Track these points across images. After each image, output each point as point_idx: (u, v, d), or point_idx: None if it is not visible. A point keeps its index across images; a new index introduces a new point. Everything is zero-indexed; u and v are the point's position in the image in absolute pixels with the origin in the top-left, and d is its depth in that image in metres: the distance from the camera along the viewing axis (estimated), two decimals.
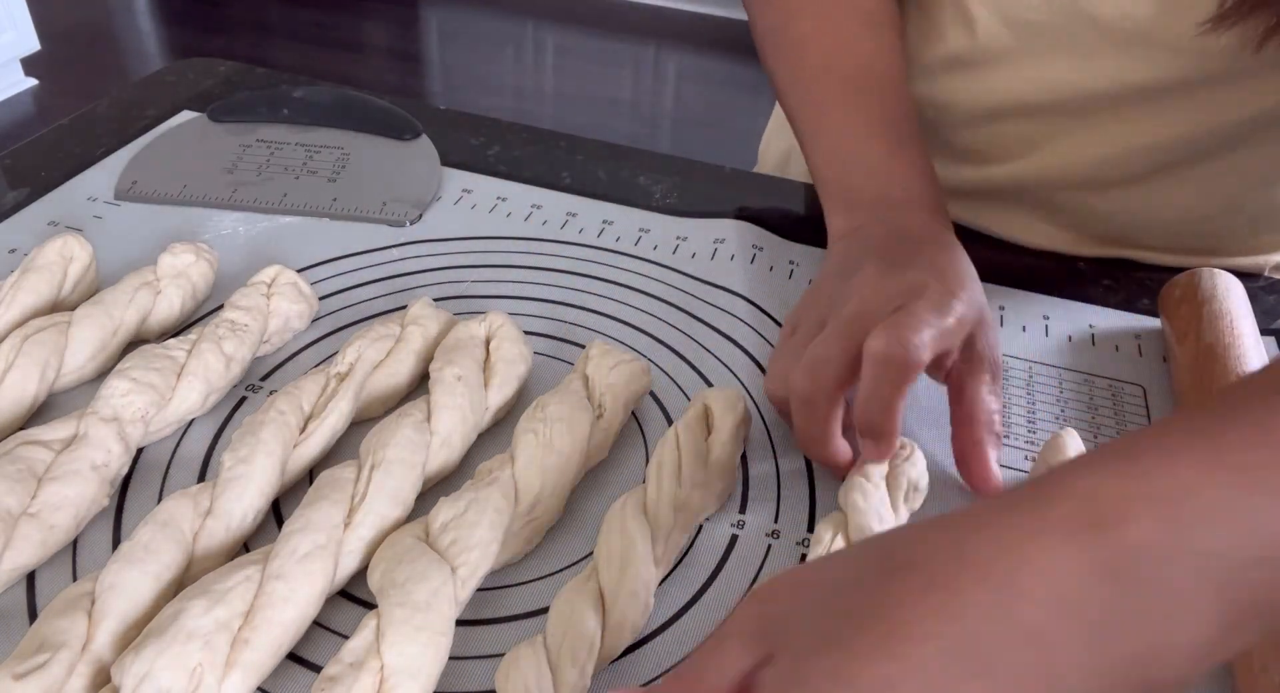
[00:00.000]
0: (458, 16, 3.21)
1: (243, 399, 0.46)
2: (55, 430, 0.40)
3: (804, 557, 0.41)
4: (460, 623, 0.36)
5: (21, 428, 0.42)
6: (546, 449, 0.40)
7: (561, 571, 0.40)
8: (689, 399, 0.48)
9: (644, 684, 0.35)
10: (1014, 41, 0.56)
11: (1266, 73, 0.51)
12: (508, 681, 0.32)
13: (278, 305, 0.48)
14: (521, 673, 0.32)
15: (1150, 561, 0.24)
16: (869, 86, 0.53)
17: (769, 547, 0.41)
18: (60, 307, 0.48)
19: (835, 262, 0.48)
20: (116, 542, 0.39)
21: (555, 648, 0.33)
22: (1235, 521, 0.24)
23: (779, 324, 0.53)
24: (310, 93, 0.70)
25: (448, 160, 0.65)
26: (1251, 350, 0.47)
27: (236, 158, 0.64)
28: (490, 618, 0.38)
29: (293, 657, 0.35)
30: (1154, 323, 0.55)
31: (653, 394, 0.48)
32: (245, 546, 0.39)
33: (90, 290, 0.50)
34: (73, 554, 0.39)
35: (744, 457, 0.45)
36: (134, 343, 0.48)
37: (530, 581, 0.39)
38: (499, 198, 0.62)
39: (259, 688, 0.34)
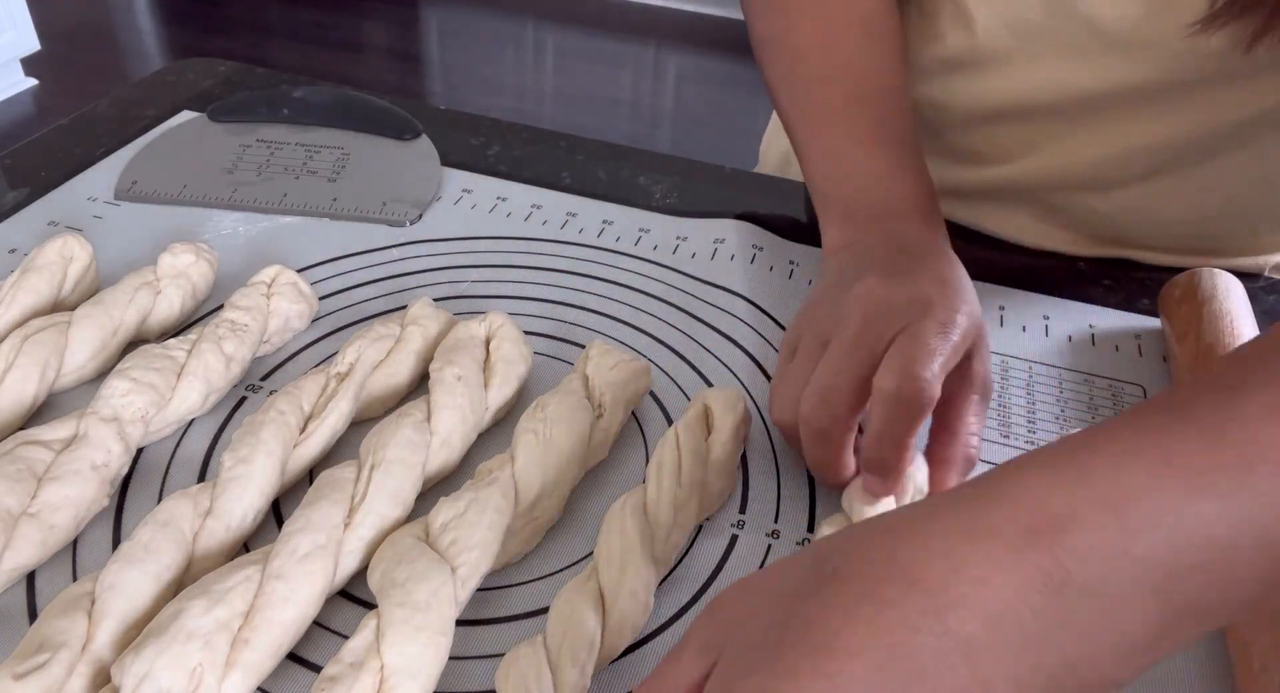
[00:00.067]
0: (458, 16, 3.21)
1: (243, 399, 0.46)
2: (55, 430, 0.40)
3: None
4: (460, 623, 0.36)
5: (21, 428, 0.42)
6: (546, 449, 0.40)
7: (561, 571, 0.40)
8: (689, 399, 0.48)
9: None
10: (1013, 42, 0.56)
11: (1264, 73, 0.51)
12: (508, 681, 0.32)
13: (278, 305, 0.48)
14: (521, 673, 0.32)
15: (1090, 567, 0.24)
16: (866, 96, 0.53)
17: (769, 547, 0.41)
18: (60, 307, 0.48)
19: (833, 275, 0.47)
20: (116, 542, 0.39)
21: (555, 648, 0.33)
22: (1179, 526, 0.24)
23: (779, 324, 0.53)
24: (310, 93, 0.70)
25: (448, 160, 0.65)
26: None
27: (236, 158, 0.64)
28: (490, 618, 0.38)
29: (293, 657, 0.35)
30: (1154, 323, 0.55)
31: (653, 394, 0.48)
32: (245, 546, 0.39)
33: (90, 290, 0.50)
34: (73, 554, 0.39)
35: (744, 457, 0.45)
36: (134, 343, 0.48)
37: (530, 581, 0.39)
38: (499, 198, 0.62)
39: (259, 688, 0.34)
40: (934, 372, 0.38)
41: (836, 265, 0.48)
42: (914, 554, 0.25)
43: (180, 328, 0.50)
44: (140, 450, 0.43)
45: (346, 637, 0.34)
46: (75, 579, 0.38)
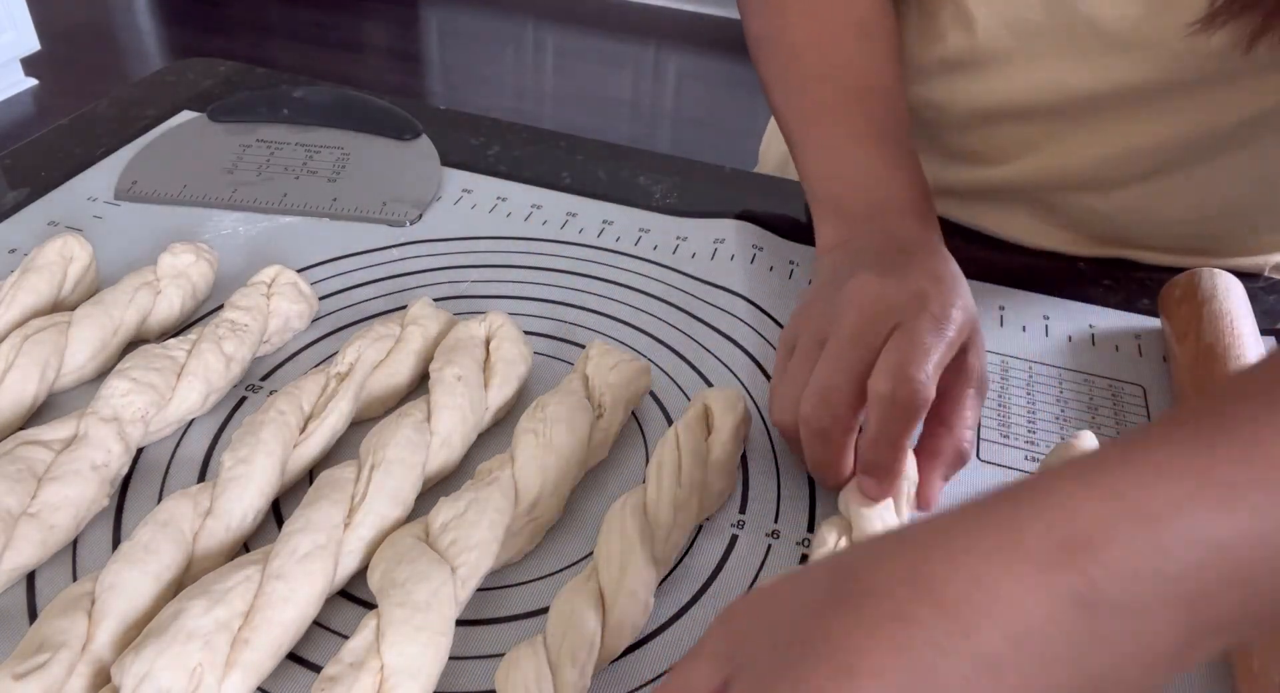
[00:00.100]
0: (458, 16, 3.21)
1: (243, 399, 0.46)
2: (55, 430, 0.40)
3: (804, 557, 0.41)
4: (460, 623, 0.36)
5: (21, 428, 0.42)
6: (546, 449, 0.40)
7: (561, 571, 0.40)
8: (689, 399, 0.48)
9: (637, 689, 0.35)
10: (1013, 42, 0.56)
11: (1264, 73, 0.51)
12: (508, 681, 0.32)
13: (278, 305, 0.48)
14: (521, 673, 0.32)
15: (1123, 586, 0.23)
16: (861, 94, 0.53)
17: (769, 547, 0.41)
18: (60, 307, 0.48)
19: (827, 273, 0.47)
20: (116, 542, 0.39)
21: (555, 648, 0.33)
22: (1214, 544, 0.23)
23: (779, 324, 0.53)
24: (310, 93, 0.70)
25: (448, 160, 0.65)
26: (1251, 350, 0.47)
27: (236, 158, 0.64)
28: (490, 618, 0.38)
29: (293, 657, 0.35)
30: (1154, 323, 0.55)
31: (653, 394, 0.48)
32: (245, 546, 0.39)
33: (90, 290, 0.50)
34: (73, 554, 0.39)
35: (744, 457, 0.45)
36: (134, 343, 0.48)
37: (530, 581, 0.39)
38: (499, 198, 0.62)
39: (259, 688, 0.34)
40: (928, 372, 0.38)
41: (831, 263, 0.48)
42: (940, 573, 0.24)
43: (180, 328, 0.50)
44: (140, 450, 0.43)
45: (346, 637, 0.34)
46: (75, 579, 0.38)
